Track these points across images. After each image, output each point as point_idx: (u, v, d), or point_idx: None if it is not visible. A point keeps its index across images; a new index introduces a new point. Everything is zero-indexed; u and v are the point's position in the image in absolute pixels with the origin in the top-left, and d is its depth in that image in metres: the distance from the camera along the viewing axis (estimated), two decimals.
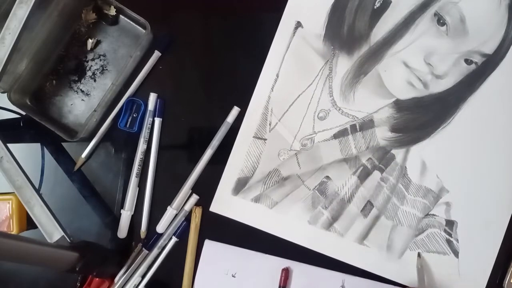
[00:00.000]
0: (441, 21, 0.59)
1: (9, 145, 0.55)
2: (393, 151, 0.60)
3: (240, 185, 0.60)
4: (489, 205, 0.59)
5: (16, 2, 0.55)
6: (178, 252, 0.60)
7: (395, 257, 0.59)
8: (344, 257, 0.59)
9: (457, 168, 0.60)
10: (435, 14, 0.59)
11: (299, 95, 0.61)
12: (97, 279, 0.59)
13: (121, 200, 0.61)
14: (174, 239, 0.60)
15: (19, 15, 0.55)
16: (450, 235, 0.59)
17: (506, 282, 0.58)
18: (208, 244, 0.60)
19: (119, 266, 0.60)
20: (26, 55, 0.59)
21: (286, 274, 0.59)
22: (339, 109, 0.61)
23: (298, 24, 0.61)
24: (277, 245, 0.60)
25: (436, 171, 0.60)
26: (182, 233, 0.60)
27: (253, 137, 0.61)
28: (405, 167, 0.60)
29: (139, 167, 0.61)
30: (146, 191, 0.61)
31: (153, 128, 0.61)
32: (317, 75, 0.61)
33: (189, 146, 0.62)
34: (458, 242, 0.59)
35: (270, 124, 0.61)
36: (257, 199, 0.60)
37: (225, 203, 0.60)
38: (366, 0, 0.61)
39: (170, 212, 0.60)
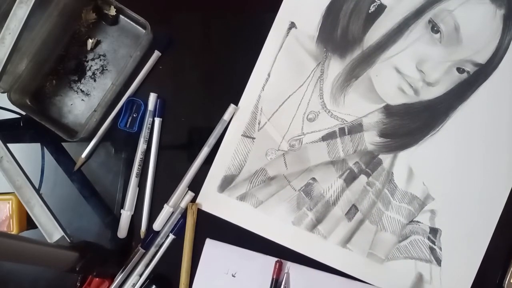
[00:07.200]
0: (435, 28, 0.59)
1: (9, 145, 0.55)
2: (381, 156, 0.60)
3: (226, 183, 0.61)
4: (474, 214, 0.59)
5: (16, 2, 0.55)
6: (176, 249, 0.60)
7: (377, 262, 0.59)
8: (326, 259, 0.59)
9: (443, 176, 0.60)
10: (429, 21, 0.59)
11: (290, 96, 0.61)
12: (97, 279, 0.59)
13: (121, 200, 0.61)
14: (171, 237, 0.60)
15: (19, 15, 0.55)
16: (433, 242, 0.59)
17: (506, 282, 0.58)
18: (209, 243, 0.60)
19: (119, 266, 0.60)
20: (26, 55, 0.59)
21: (279, 265, 0.59)
22: (329, 112, 0.61)
23: (292, 25, 0.61)
24: (278, 247, 0.60)
25: (423, 178, 0.60)
26: (180, 231, 0.60)
27: (242, 135, 0.61)
28: (392, 172, 0.60)
29: (139, 167, 0.61)
30: (146, 191, 0.61)
31: (153, 128, 0.61)
32: (308, 76, 0.61)
33: (189, 146, 0.62)
34: (441, 250, 0.59)
35: (259, 123, 0.61)
36: (242, 198, 0.60)
37: (210, 200, 0.61)
38: (361, 4, 0.61)
39: (166, 210, 0.60)
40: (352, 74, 0.61)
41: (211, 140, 0.61)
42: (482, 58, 0.59)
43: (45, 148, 0.62)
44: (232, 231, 0.60)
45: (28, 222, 0.58)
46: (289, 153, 0.61)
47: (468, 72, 0.59)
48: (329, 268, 0.59)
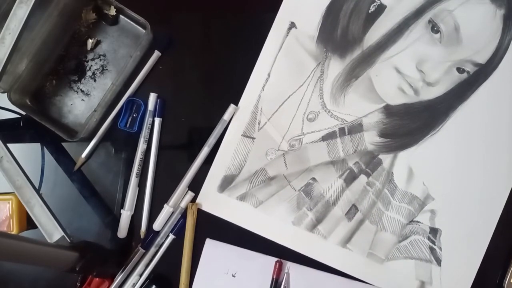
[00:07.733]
0: (435, 28, 0.59)
1: (9, 145, 0.55)
2: (381, 156, 0.60)
3: (226, 183, 0.61)
4: (474, 214, 0.59)
5: (16, 2, 0.55)
6: (176, 249, 0.60)
7: (377, 262, 0.59)
8: (326, 259, 0.59)
9: (443, 176, 0.60)
10: (429, 21, 0.59)
11: (290, 96, 0.61)
12: (97, 279, 0.59)
13: (121, 200, 0.61)
14: (171, 237, 0.60)
15: (19, 15, 0.55)
16: (433, 242, 0.59)
17: (506, 282, 0.58)
18: (209, 243, 0.60)
19: (119, 266, 0.60)
20: (26, 55, 0.59)
21: (279, 265, 0.59)
22: (329, 112, 0.61)
23: (292, 25, 0.61)
24: (278, 247, 0.60)
25: (423, 178, 0.60)
26: (180, 231, 0.60)
27: (242, 135, 0.61)
28: (392, 172, 0.60)
29: (139, 167, 0.61)
30: (146, 191, 0.61)
31: (153, 128, 0.61)
32: (309, 76, 0.61)
33: (189, 146, 0.62)
34: (441, 250, 0.59)
35: (259, 123, 0.61)
36: (242, 198, 0.60)
37: (210, 200, 0.61)
38: (361, 4, 0.61)
39: (166, 209, 0.60)
40: (352, 74, 0.61)
41: (211, 140, 0.61)
42: (482, 58, 0.59)
43: (45, 148, 0.62)
44: (232, 231, 0.60)
45: (28, 222, 0.58)
46: (289, 153, 0.61)
47: (468, 72, 0.59)
48: (329, 268, 0.59)
